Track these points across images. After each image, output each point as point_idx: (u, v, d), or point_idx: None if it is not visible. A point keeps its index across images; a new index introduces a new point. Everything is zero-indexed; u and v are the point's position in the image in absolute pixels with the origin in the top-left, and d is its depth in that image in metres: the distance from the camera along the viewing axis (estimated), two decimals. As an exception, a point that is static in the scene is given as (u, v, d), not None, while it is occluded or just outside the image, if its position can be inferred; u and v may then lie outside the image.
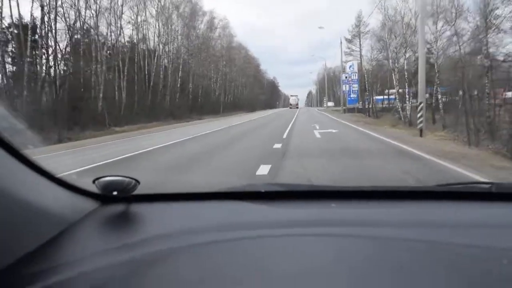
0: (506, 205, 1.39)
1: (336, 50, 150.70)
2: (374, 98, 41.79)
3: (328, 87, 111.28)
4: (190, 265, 0.97)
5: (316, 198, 1.49)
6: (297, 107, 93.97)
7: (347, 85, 46.82)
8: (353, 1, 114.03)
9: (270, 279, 0.90)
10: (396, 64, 31.64)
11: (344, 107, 49.20)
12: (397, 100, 32.15)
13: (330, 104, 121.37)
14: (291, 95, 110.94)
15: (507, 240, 1.08)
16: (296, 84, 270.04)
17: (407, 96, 29.94)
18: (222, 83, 67.30)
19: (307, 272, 0.91)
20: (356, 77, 45.35)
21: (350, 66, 44.94)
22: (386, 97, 42.84)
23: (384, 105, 42.97)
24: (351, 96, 45.52)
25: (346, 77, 47.16)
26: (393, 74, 31.84)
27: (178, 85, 41.97)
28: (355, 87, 45.49)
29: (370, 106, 40.25)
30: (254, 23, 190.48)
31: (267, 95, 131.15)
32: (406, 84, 30.08)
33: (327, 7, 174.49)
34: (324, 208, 1.41)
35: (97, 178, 1.31)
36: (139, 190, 1.36)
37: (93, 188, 1.32)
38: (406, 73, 29.78)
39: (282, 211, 1.37)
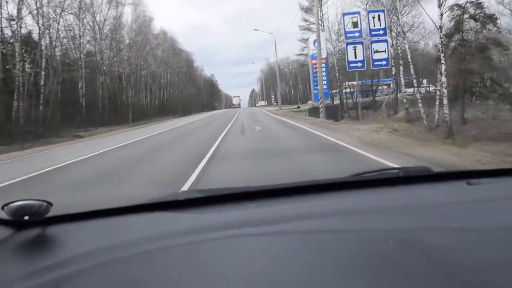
0: (411, 188, 1.49)
1: (283, 45, 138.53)
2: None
3: (271, 84, 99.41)
4: (110, 280, 0.99)
5: (236, 201, 1.49)
6: (240, 107, 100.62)
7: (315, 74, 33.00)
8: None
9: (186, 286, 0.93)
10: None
11: (310, 106, 35.47)
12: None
13: (263, 103, 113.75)
14: (234, 96, 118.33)
15: (402, 221, 1.16)
16: (239, 84, 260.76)
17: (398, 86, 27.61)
18: (137, 80, 52.13)
19: (222, 276, 0.95)
20: (324, 61, 31.72)
21: (314, 42, 30.38)
22: (348, 90, 37.06)
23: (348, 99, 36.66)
24: (318, 88, 30.06)
25: (312, 60, 33.60)
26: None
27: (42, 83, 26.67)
28: (324, 75, 31.81)
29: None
30: (192, 23, 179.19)
31: (204, 96, 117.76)
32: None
33: (263, 6, 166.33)
34: (242, 209, 1.42)
35: (6, 204, 1.24)
36: (55, 211, 1.32)
37: (2, 215, 1.25)
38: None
39: (199, 217, 1.38)
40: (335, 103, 34.02)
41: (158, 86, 65.01)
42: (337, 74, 34.08)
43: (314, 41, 29.19)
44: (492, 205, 1.23)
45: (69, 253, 1.14)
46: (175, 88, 74.39)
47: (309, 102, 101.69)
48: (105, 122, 34.95)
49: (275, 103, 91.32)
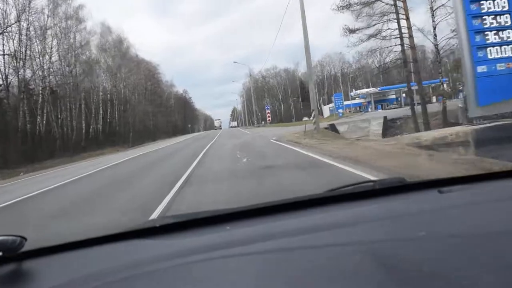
0: (386, 199, 1.51)
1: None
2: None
3: (259, 99, 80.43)
4: None
5: (213, 224, 1.48)
6: (221, 128, 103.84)
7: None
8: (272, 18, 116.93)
9: None
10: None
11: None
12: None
13: (233, 124, 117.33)
14: (215, 119, 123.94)
15: (378, 233, 1.18)
16: (220, 103, 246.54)
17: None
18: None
19: None
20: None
21: None
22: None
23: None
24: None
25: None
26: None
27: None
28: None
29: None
30: (172, 45, 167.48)
31: (177, 117, 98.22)
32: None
33: (244, 25, 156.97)
34: (220, 232, 1.41)
35: None
36: (30, 245, 1.31)
37: None
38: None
39: (176, 242, 1.38)
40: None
41: (99, 104, 45.16)
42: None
43: None
44: (462, 212, 1.26)
45: (46, 286, 1.13)
46: (129, 107, 54.41)
47: (305, 118, 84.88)
48: None
49: (263, 122, 72.17)
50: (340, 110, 43.91)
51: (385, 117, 21.80)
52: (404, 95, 61.63)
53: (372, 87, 71.59)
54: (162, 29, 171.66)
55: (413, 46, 17.54)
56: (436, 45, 18.60)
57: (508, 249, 0.96)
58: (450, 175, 2.06)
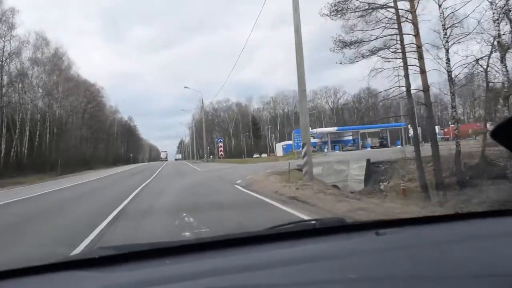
0: (325, 239, 1.50)
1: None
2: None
3: (211, 131, 76.51)
4: None
5: (152, 257, 1.43)
6: (166, 160, 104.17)
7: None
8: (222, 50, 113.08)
9: None
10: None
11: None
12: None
13: (178, 156, 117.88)
14: (162, 151, 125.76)
15: (311, 274, 1.19)
16: (168, 135, 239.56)
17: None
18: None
19: None
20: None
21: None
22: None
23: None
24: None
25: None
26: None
27: None
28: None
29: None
30: (121, 73, 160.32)
31: (120, 145, 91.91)
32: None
33: (197, 58, 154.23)
34: (158, 266, 1.37)
35: None
36: None
37: None
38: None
39: (113, 275, 1.33)
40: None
41: (26, 123, 39.07)
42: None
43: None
44: (395, 255, 1.28)
45: None
46: (63, 130, 48.13)
47: (255, 155, 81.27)
48: None
49: (211, 157, 67.54)
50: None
51: (368, 160, 18.03)
52: (359, 136, 60.16)
53: (325, 127, 69.70)
54: (112, 54, 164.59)
55: (423, 70, 14.10)
56: (449, 72, 15.20)
57: None
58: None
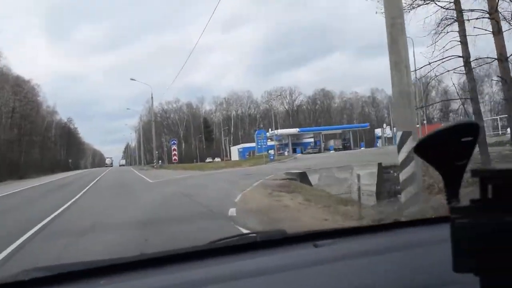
0: (266, 253, 1.50)
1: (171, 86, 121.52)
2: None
3: (154, 135, 71.28)
4: None
5: (86, 277, 1.34)
6: (111, 166, 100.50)
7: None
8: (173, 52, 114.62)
9: None
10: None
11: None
12: None
13: (122, 162, 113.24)
14: (107, 157, 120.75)
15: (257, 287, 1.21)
16: (113, 139, 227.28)
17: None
18: None
19: None
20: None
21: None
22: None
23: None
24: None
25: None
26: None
27: None
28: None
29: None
30: (65, 74, 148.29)
31: (59, 150, 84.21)
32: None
33: (146, 60, 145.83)
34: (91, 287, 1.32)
35: None
36: None
37: None
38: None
39: None
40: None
41: None
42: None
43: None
44: (331, 267, 1.28)
45: None
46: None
47: (208, 160, 76.32)
48: None
49: (160, 162, 61.98)
50: (272, 152, 36.15)
51: (379, 165, 13.90)
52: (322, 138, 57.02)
53: (281, 129, 66.13)
54: (56, 53, 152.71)
55: (498, 29, 10.16)
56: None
57: None
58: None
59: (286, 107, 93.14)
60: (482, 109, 20.19)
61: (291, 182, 11.39)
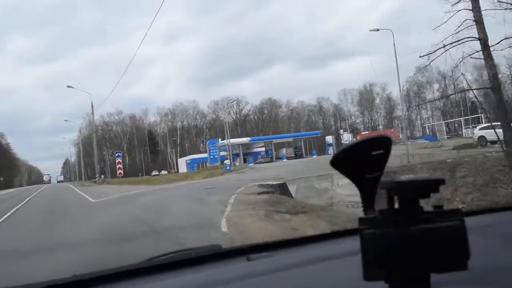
0: (202, 268, 1.52)
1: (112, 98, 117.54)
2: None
3: (95, 147, 67.70)
4: None
5: None
6: (50, 182, 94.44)
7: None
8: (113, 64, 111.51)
9: None
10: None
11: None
12: None
13: (60, 178, 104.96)
14: (45, 174, 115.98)
15: None
16: (50, 155, 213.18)
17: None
18: None
19: None
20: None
21: None
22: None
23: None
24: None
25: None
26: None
27: None
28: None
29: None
30: None
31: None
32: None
33: (84, 72, 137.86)
34: None
35: None
36: None
37: None
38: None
39: None
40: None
41: None
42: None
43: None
44: (262, 280, 1.30)
45: None
46: None
47: (154, 173, 73.08)
48: None
49: (102, 177, 58.22)
50: (227, 162, 34.25)
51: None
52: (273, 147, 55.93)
53: (228, 138, 64.44)
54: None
55: None
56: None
57: None
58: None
59: (234, 117, 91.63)
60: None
61: (273, 196, 9.70)
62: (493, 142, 21.99)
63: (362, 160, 0.70)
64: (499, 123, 11.11)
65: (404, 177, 0.67)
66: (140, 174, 73.65)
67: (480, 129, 25.20)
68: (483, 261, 1.06)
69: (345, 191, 12.32)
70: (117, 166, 48.97)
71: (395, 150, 14.71)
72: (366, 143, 0.70)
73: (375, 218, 0.66)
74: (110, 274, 1.47)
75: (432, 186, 0.64)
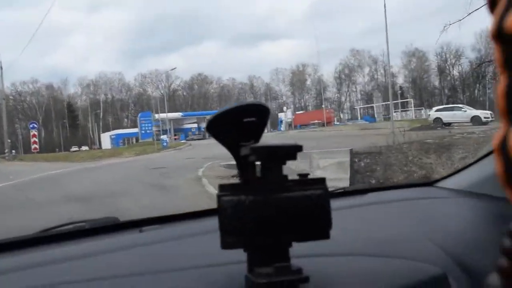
0: (97, 238, 1.47)
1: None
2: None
3: (4, 118, 61.45)
4: None
5: None
6: None
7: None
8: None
9: None
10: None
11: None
12: None
13: None
14: None
15: (84, 272, 1.21)
16: None
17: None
18: None
19: None
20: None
21: None
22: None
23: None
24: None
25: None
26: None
27: None
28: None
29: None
30: None
31: None
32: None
33: None
34: None
35: None
36: None
37: None
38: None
39: None
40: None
41: None
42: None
43: None
44: (153, 249, 1.31)
45: None
46: None
47: (74, 148, 67.39)
48: None
49: (13, 152, 52.24)
50: (165, 137, 31.06)
51: (351, 151, 10.73)
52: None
53: (156, 113, 60.75)
54: None
55: None
56: None
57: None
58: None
59: (162, 91, 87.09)
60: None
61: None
62: (447, 124, 21.94)
63: (237, 127, 0.67)
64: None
65: (267, 143, 0.65)
66: (57, 149, 67.63)
67: (436, 110, 25.26)
68: (366, 234, 1.08)
69: (330, 174, 10.32)
70: (32, 140, 43.29)
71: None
72: (240, 109, 0.67)
73: (235, 184, 0.64)
74: (4, 243, 1.42)
75: (290, 152, 0.61)
